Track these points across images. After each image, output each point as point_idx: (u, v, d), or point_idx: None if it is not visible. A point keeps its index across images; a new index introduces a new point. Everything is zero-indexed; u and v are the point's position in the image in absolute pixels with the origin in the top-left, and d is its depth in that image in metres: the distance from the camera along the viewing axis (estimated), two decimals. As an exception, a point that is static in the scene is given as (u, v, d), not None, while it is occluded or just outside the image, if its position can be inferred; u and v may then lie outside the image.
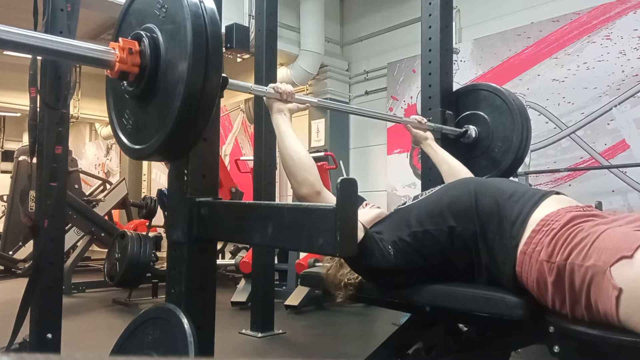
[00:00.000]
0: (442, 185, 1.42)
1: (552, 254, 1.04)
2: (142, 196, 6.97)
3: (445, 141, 2.26)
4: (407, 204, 1.38)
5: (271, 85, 1.47)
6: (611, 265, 0.93)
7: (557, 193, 1.22)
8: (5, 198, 7.08)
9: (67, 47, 1.08)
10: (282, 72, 5.37)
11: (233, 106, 6.91)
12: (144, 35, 1.14)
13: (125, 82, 1.19)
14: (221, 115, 3.25)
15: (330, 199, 1.38)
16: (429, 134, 2.08)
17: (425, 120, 2.09)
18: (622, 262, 0.92)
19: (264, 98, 1.50)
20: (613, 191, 3.75)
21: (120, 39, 1.14)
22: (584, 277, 0.98)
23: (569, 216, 1.07)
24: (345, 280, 1.43)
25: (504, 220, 1.16)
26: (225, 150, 6.99)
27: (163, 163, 8.17)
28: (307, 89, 6.03)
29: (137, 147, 1.22)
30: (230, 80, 1.30)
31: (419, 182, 2.83)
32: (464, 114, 2.38)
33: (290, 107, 1.49)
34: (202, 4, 1.10)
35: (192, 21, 1.06)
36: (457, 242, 1.23)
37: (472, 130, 2.33)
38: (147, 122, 1.19)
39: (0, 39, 0.95)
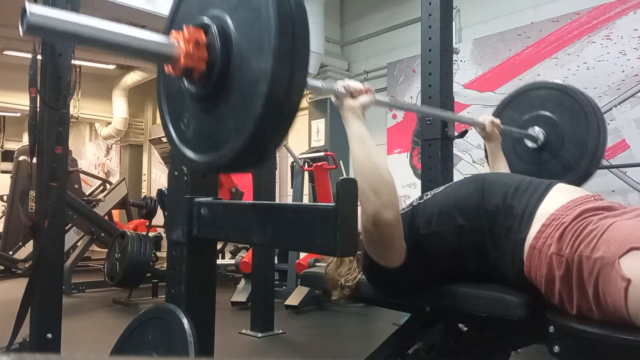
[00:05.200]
0: (450, 184, 1.39)
1: (562, 247, 1.03)
2: (142, 196, 6.97)
3: (508, 144, 2.07)
4: (413, 206, 1.35)
5: (340, 82, 1.30)
6: (620, 256, 0.93)
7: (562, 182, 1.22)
8: (5, 198, 7.08)
9: (122, 39, 0.90)
10: (282, 72, 5.36)
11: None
12: (211, 24, 0.96)
13: (187, 80, 1.01)
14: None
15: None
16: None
17: (498, 121, 1.91)
18: (631, 254, 0.92)
19: (332, 98, 1.35)
20: (613, 191, 3.75)
21: (185, 27, 0.95)
22: (592, 268, 0.97)
23: (579, 210, 1.07)
24: (342, 281, 1.43)
25: (509, 215, 1.15)
26: (225, 150, 6.98)
27: (163, 163, 8.18)
28: (307, 89, 6.02)
29: (202, 158, 1.02)
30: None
31: (419, 182, 2.83)
32: (529, 114, 2.16)
33: (364, 102, 1.27)
34: None
35: (276, 5, 0.87)
36: (466, 241, 1.21)
37: (539, 132, 2.12)
38: (216, 128, 1.00)
39: (43, 26, 0.81)
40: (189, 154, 1.05)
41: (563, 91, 2.11)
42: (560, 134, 2.07)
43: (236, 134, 0.93)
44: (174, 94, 1.11)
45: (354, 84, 1.29)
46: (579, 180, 2.04)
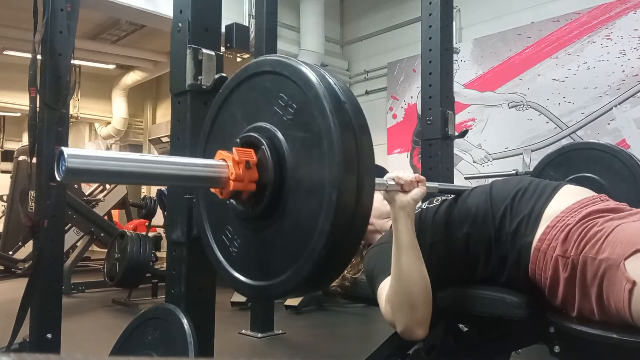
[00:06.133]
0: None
1: (567, 249, 1.03)
2: (142, 196, 6.96)
3: None
4: (421, 209, 1.35)
5: (389, 175, 1.18)
6: (625, 258, 0.93)
7: (569, 182, 1.21)
8: (5, 198, 7.08)
9: (167, 169, 0.83)
10: (282, 72, 5.36)
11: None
12: (263, 141, 0.85)
13: (234, 200, 0.89)
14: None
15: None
16: None
17: None
18: (636, 256, 0.92)
19: (382, 193, 1.23)
20: (613, 191, 3.75)
21: (235, 150, 0.85)
22: (597, 270, 0.97)
23: (585, 212, 1.06)
24: (345, 272, 1.44)
25: (515, 220, 1.15)
26: (225, 150, 6.98)
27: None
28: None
29: (252, 282, 0.90)
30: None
31: (419, 182, 2.83)
32: (573, 175, 2.04)
33: (416, 197, 1.17)
34: (342, 94, 0.79)
35: (339, 130, 0.76)
36: (473, 247, 1.21)
37: None
38: (267, 252, 0.89)
39: (83, 168, 0.73)
40: (236, 275, 0.93)
41: (610, 153, 1.99)
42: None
43: (292, 267, 0.82)
44: (215, 203, 0.98)
45: (405, 176, 1.18)
46: None
